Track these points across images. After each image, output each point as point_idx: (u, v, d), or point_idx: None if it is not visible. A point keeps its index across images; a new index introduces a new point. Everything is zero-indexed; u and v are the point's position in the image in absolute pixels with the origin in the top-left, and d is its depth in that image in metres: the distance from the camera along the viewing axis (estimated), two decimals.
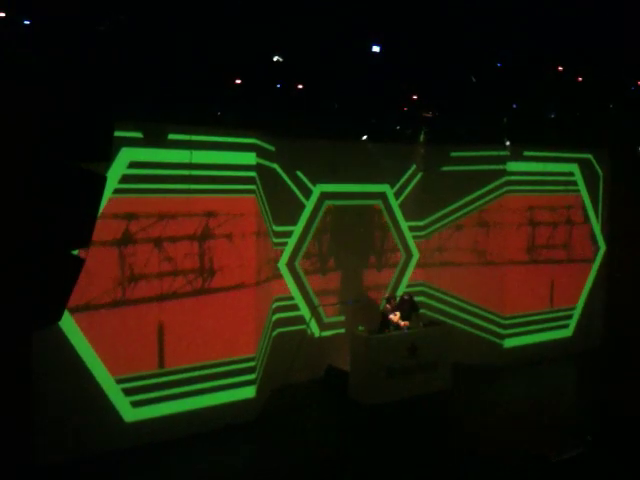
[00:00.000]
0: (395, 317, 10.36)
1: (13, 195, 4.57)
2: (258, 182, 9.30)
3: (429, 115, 10.75)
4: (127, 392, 8.22)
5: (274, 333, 10.60)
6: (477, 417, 9.55)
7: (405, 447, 8.48)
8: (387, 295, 11.13)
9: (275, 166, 10.45)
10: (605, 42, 8.05)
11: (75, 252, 5.53)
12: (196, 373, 8.72)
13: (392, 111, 10.83)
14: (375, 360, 9.95)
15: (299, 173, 10.83)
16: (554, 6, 7.06)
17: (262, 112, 9.31)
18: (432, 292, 12.54)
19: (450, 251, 12.28)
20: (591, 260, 13.42)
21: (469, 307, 12.24)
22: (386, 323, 10.30)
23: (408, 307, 10.72)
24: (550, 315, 12.78)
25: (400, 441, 8.69)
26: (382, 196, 11.95)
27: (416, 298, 11.45)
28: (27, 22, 6.02)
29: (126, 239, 8.13)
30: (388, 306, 10.54)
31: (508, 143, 11.14)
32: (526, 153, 12.00)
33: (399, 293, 11.82)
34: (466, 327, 12.21)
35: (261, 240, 9.59)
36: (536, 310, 12.51)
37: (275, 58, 7.42)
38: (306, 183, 10.97)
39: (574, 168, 12.88)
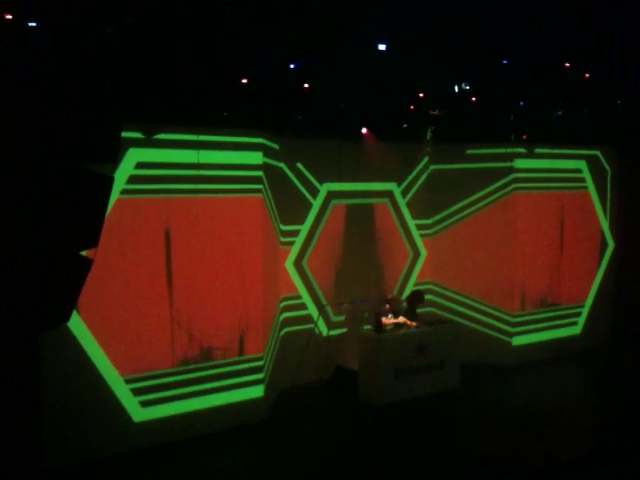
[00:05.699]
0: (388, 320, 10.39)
1: (21, 196, 4.58)
2: (265, 181, 9.30)
3: (436, 113, 10.72)
4: (136, 392, 8.25)
5: (282, 332, 10.60)
6: (486, 416, 9.51)
7: (415, 448, 8.47)
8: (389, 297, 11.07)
9: (282, 165, 10.46)
10: (612, 38, 8.01)
11: (83, 253, 5.54)
12: (204, 372, 8.74)
13: (398, 109, 10.81)
14: (383, 360, 9.92)
15: (305, 171, 10.82)
16: (562, 3, 7.03)
17: (269, 111, 9.31)
18: (440, 290, 12.51)
19: (458, 249, 12.25)
20: (600, 257, 13.36)
21: (477, 305, 12.21)
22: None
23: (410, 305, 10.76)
24: (559, 313, 12.72)
25: (410, 442, 8.67)
26: (389, 194, 11.94)
27: (424, 296, 11.47)
28: (33, 24, 6.05)
29: (133, 237, 8.16)
30: (387, 306, 10.60)
31: None
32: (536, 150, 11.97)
33: (406, 292, 11.84)
34: (474, 325, 12.19)
35: (268, 239, 9.59)
36: (544, 308, 12.46)
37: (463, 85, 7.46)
38: (313, 182, 10.97)
39: (582, 165, 12.83)
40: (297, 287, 10.89)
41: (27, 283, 4.64)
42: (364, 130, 10.98)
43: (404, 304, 10.93)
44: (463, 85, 9.06)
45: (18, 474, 4.60)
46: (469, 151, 11.98)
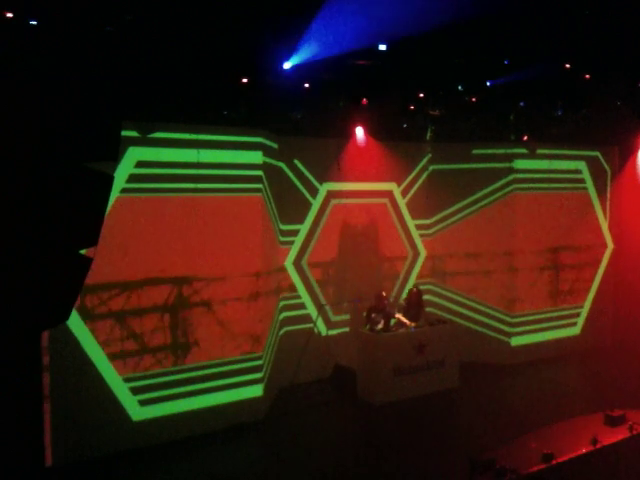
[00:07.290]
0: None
1: (21, 195, 4.58)
2: (265, 181, 9.30)
3: (436, 113, 10.70)
4: (135, 391, 8.25)
5: (281, 332, 10.60)
6: (484, 416, 9.53)
7: (414, 446, 8.47)
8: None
9: (281, 165, 10.46)
10: (612, 38, 8.01)
11: (83, 251, 5.54)
12: (203, 372, 8.74)
13: (398, 109, 10.80)
14: (383, 359, 9.94)
15: (305, 171, 10.81)
16: (561, 4, 7.03)
17: (268, 111, 9.31)
18: (439, 290, 12.51)
19: (457, 249, 12.25)
20: (599, 258, 13.36)
21: (476, 305, 12.21)
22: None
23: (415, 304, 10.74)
24: (557, 313, 12.73)
25: (410, 440, 8.68)
26: (389, 194, 11.93)
27: (423, 296, 11.46)
28: (34, 22, 6.05)
29: (132, 234, 8.16)
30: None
31: None
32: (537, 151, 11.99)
33: (405, 291, 11.82)
34: (473, 325, 12.19)
35: (267, 238, 9.59)
36: (543, 308, 12.47)
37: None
38: (313, 181, 10.97)
39: (581, 165, 12.84)
40: (296, 286, 10.89)
41: (27, 282, 4.63)
42: (361, 130, 10.97)
43: (402, 303, 10.93)
44: (459, 87, 9.07)
45: (19, 474, 4.60)
46: (475, 151, 11.97)
